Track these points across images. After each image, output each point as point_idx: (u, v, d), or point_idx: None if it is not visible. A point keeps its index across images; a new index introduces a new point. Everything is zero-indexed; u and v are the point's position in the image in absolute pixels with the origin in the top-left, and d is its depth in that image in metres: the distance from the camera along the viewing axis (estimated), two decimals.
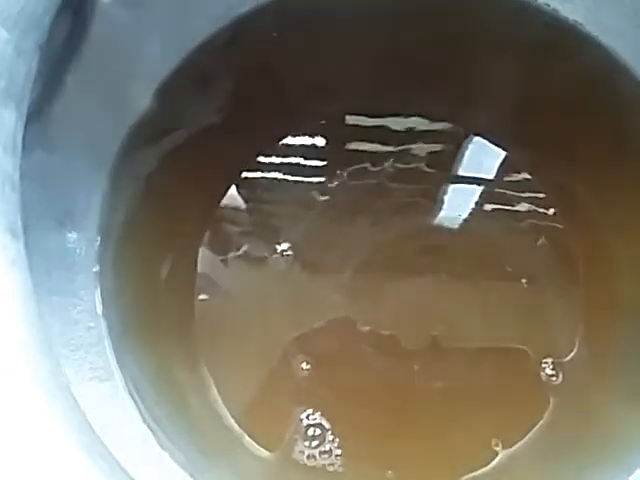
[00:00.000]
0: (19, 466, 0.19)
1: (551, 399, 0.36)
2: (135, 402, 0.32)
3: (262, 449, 0.35)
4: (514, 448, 0.35)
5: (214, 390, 0.36)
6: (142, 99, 0.33)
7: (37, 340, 0.21)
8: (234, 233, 0.38)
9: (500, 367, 0.37)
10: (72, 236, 0.31)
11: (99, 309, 0.32)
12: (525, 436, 0.35)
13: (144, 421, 0.31)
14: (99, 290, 0.32)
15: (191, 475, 0.31)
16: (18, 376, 0.20)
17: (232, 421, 0.36)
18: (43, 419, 0.20)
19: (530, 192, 0.39)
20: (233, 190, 0.38)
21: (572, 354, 0.37)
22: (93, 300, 0.32)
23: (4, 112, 0.21)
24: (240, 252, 0.38)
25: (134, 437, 0.30)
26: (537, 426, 0.35)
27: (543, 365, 0.36)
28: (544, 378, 0.36)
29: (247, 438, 0.35)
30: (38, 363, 0.20)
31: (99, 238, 0.32)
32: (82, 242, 0.32)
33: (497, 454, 0.35)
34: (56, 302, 0.30)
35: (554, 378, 0.36)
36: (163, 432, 0.32)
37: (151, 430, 0.31)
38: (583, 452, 0.34)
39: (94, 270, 0.32)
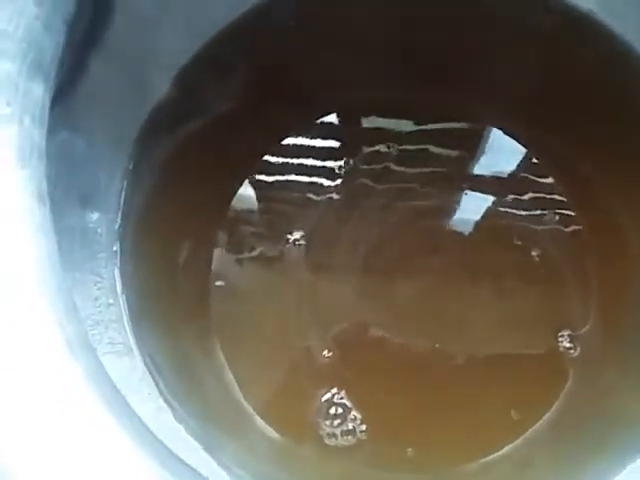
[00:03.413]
0: (40, 419, 0.20)
1: (570, 372, 0.36)
2: (153, 377, 0.33)
3: (279, 430, 0.36)
4: (534, 422, 0.36)
5: (229, 373, 0.37)
6: (161, 85, 0.34)
7: (63, 301, 0.22)
8: (249, 221, 0.39)
9: (518, 341, 0.37)
10: (93, 216, 0.32)
11: (119, 287, 0.33)
12: (546, 411, 0.36)
13: (160, 394, 0.32)
14: (119, 269, 0.33)
15: (206, 449, 0.32)
16: (43, 335, 0.21)
17: (247, 403, 0.36)
18: (65, 373, 0.20)
19: (539, 176, 0.40)
20: (249, 178, 0.39)
21: (587, 326, 0.37)
22: (113, 278, 0.33)
23: (32, 84, 0.22)
24: (256, 242, 0.39)
25: (150, 410, 0.31)
26: (557, 400, 0.36)
27: (560, 338, 0.37)
28: (562, 350, 0.37)
29: (262, 419, 0.36)
30: (62, 322, 0.21)
31: (119, 219, 0.33)
32: (103, 222, 0.33)
33: (517, 429, 0.36)
34: (77, 278, 0.31)
35: (572, 351, 0.37)
36: (179, 406, 0.32)
37: (168, 404, 0.32)
38: (595, 428, 0.34)
39: (114, 249, 0.33)
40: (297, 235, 0.38)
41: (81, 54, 0.29)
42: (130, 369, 0.32)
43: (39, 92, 0.22)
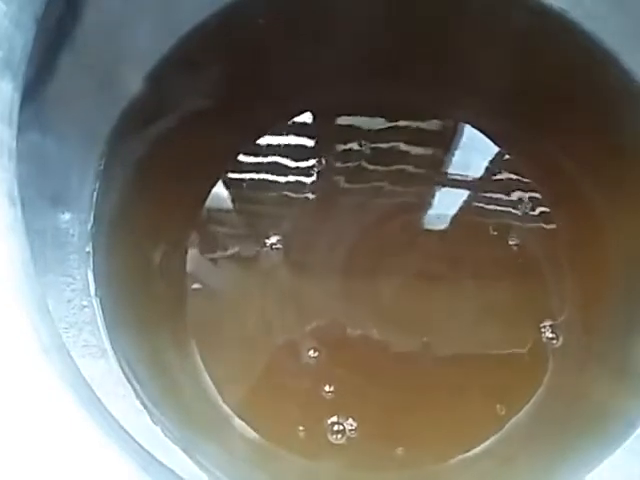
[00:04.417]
0: (19, 423, 0.19)
1: (553, 363, 0.37)
2: (128, 379, 0.32)
3: (260, 431, 0.35)
4: (518, 415, 0.36)
5: (206, 375, 0.36)
6: (133, 83, 0.33)
7: (36, 303, 0.21)
8: (225, 222, 0.39)
9: (502, 333, 0.37)
10: (65, 217, 0.32)
11: (92, 289, 0.33)
12: (529, 401, 0.36)
13: (137, 397, 0.32)
14: (92, 270, 0.33)
15: (183, 450, 0.32)
16: (17, 337, 0.20)
17: (225, 405, 0.36)
18: (41, 376, 0.20)
19: (512, 171, 0.40)
20: (223, 177, 0.39)
21: (565, 316, 0.37)
22: (86, 280, 0.32)
23: (1, 82, 0.22)
24: (232, 242, 0.38)
25: (127, 412, 0.31)
26: (539, 390, 0.36)
27: (542, 329, 0.37)
28: (545, 340, 0.37)
29: (241, 421, 0.35)
30: (36, 324, 0.21)
31: (92, 220, 0.33)
32: (75, 223, 0.32)
33: (502, 422, 0.36)
34: (50, 280, 0.31)
35: (555, 341, 0.37)
36: (156, 408, 0.32)
37: (144, 406, 0.32)
38: (577, 420, 0.35)
39: (87, 250, 0.33)
40: (274, 239, 0.38)
41: (50, 53, 0.29)
42: (105, 372, 0.31)
43: (8, 90, 0.22)
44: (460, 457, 0.35)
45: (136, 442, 0.22)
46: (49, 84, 0.29)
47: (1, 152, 0.22)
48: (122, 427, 0.22)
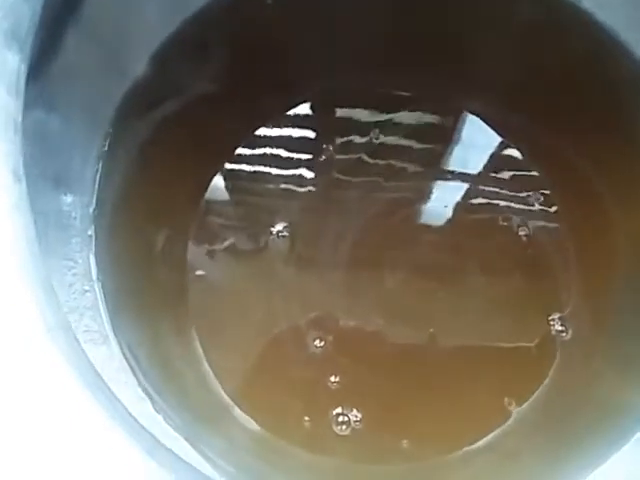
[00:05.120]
0: (23, 403, 0.19)
1: (561, 357, 0.36)
2: (130, 366, 0.32)
3: (261, 421, 0.35)
4: (525, 408, 0.35)
5: (206, 364, 0.36)
6: (138, 64, 0.33)
7: (40, 281, 0.21)
8: (228, 210, 0.38)
9: (510, 326, 0.37)
10: (67, 199, 0.31)
11: (94, 273, 0.32)
12: (537, 394, 0.35)
13: (139, 384, 0.31)
14: (94, 254, 0.32)
15: (185, 438, 0.31)
16: (22, 316, 0.20)
17: (226, 394, 0.35)
18: (45, 356, 0.20)
19: (521, 166, 0.39)
20: (225, 165, 0.38)
21: (573, 308, 0.37)
22: (88, 264, 0.32)
23: (8, 54, 0.21)
24: (236, 229, 0.38)
25: (129, 399, 0.30)
26: (547, 383, 0.36)
27: (551, 322, 0.36)
28: (554, 333, 0.36)
29: (242, 411, 0.35)
30: (41, 304, 0.20)
31: (94, 202, 0.32)
32: (77, 205, 0.32)
33: (509, 415, 0.35)
34: (52, 264, 0.30)
35: (564, 334, 0.36)
36: (158, 396, 0.32)
37: (146, 393, 0.31)
38: (584, 415, 0.34)
39: (89, 234, 0.32)
40: (279, 226, 0.37)
41: (56, 29, 0.28)
42: (107, 358, 0.31)
43: (15, 62, 0.21)
44: (466, 449, 0.35)
45: (140, 425, 0.22)
46: (54, 62, 0.29)
47: (7, 125, 0.21)
48: (127, 410, 0.21)
